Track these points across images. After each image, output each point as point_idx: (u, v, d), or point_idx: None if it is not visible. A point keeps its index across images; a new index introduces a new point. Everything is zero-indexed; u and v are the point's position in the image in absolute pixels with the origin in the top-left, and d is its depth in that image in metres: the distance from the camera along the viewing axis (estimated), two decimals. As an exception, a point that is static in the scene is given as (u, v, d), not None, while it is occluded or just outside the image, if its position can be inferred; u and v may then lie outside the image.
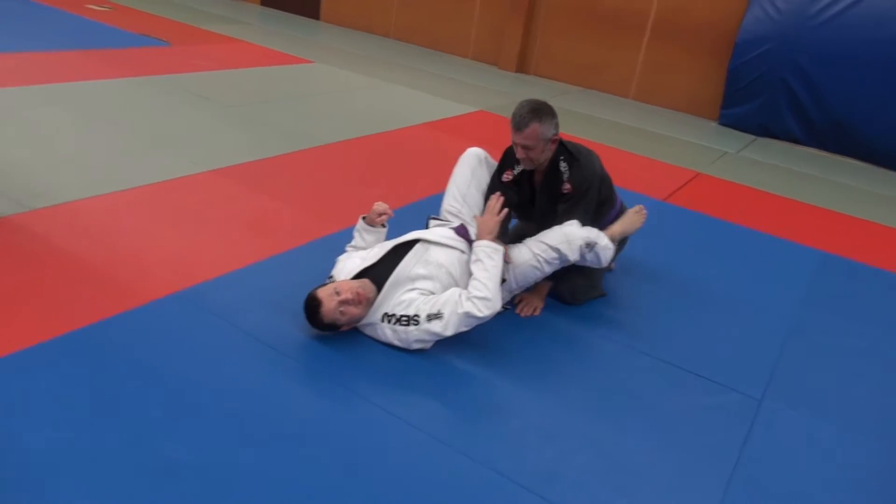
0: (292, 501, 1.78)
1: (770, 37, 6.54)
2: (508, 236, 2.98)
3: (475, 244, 2.54)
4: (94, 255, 2.80)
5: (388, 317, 2.43)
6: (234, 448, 1.92)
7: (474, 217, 2.78)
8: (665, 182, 4.98)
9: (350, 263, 2.60)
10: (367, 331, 2.50)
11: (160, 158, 3.94)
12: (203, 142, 4.35)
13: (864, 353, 2.95)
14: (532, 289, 2.88)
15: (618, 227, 2.96)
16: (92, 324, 2.35)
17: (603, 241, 2.74)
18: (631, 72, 7.86)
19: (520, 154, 2.71)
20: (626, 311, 3.03)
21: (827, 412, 2.50)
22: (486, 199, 2.83)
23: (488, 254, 2.48)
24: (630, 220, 3.02)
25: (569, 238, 2.66)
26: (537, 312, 2.86)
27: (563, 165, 2.78)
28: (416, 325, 2.39)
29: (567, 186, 2.78)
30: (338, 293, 2.36)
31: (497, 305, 2.40)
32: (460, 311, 2.34)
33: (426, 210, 3.07)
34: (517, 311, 2.84)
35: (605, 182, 2.95)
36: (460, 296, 2.38)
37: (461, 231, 2.72)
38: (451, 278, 2.53)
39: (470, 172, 2.97)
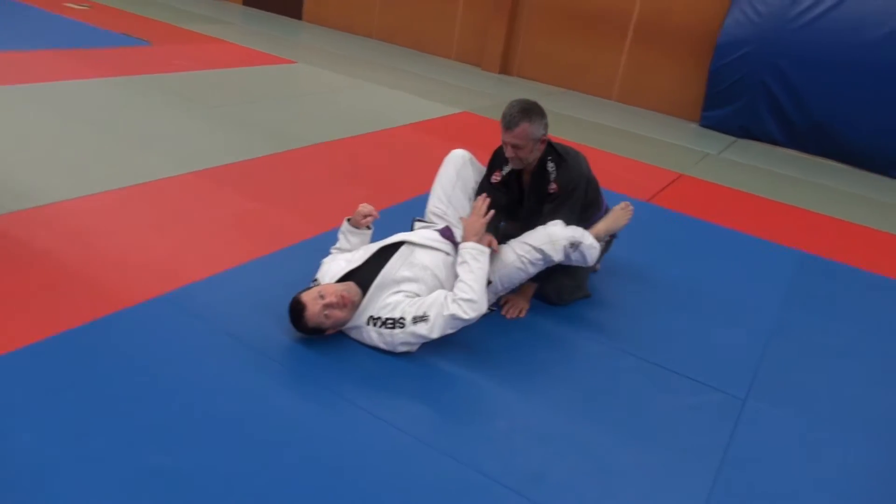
0: (278, 506, 1.77)
1: (750, 39, 6.61)
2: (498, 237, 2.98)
3: (461, 246, 2.54)
4: (77, 258, 2.77)
5: (373, 320, 2.42)
6: (218, 451, 1.90)
7: (460, 219, 2.78)
8: (648, 183, 5.01)
9: (335, 266, 2.58)
10: (353, 334, 2.49)
11: (143, 159, 3.90)
12: (186, 142, 4.32)
13: (845, 352, 2.99)
14: (517, 290, 2.88)
15: (602, 225, 2.97)
16: (75, 327, 2.32)
17: (588, 240, 2.75)
18: (613, 73, 7.90)
19: (509, 153, 2.72)
20: (611, 311, 3.04)
21: (810, 411, 2.53)
22: (474, 200, 2.83)
23: (474, 255, 2.47)
24: (615, 216, 3.03)
25: (552, 238, 2.66)
26: (523, 314, 2.87)
27: (550, 165, 2.79)
28: (401, 327, 2.38)
29: (553, 186, 2.79)
30: (322, 297, 2.34)
31: (483, 307, 2.40)
32: (446, 313, 2.34)
33: (411, 211, 3.06)
34: (503, 312, 2.84)
35: (591, 184, 2.97)
36: (446, 298, 2.38)
37: (446, 233, 2.71)
38: (436, 280, 2.53)
39: (455, 174, 2.97)
